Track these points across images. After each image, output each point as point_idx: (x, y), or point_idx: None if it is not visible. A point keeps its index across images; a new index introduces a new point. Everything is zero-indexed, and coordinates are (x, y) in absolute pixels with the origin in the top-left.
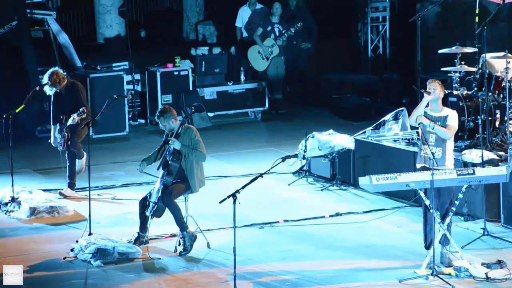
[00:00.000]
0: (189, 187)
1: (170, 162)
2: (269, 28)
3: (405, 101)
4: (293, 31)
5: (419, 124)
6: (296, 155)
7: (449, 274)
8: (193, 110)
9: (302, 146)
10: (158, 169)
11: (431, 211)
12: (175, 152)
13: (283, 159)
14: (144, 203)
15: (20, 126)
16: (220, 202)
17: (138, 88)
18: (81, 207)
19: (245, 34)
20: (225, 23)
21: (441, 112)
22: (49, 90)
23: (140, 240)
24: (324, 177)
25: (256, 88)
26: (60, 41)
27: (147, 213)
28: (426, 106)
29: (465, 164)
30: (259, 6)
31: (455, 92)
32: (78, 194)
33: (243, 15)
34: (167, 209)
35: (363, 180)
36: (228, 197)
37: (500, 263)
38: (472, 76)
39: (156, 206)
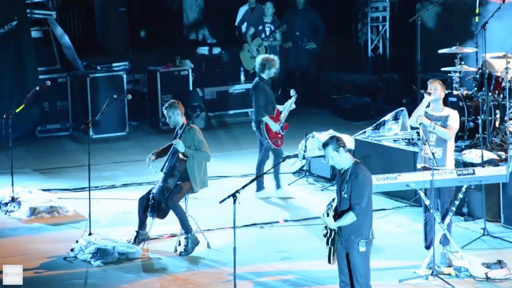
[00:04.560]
0: (191, 187)
1: (174, 164)
2: (260, 27)
3: (405, 101)
4: (277, 33)
5: (419, 124)
6: (296, 155)
7: (449, 274)
8: (198, 113)
9: (302, 146)
10: (162, 169)
11: (431, 211)
12: (179, 154)
13: (283, 159)
14: (143, 202)
15: (20, 126)
16: (220, 202)
17: (139, 88)
18: (81, 207)
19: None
20: (225, 23)
21: (442, 112)
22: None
23: (140, 238)
24: (324, 177)
25: None
26: (63, 44)
27: (149, 215)
28: (427, 106)
29: (465, 164)
30: (259, 6)
31: (455, 92)
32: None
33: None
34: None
35: None
36: (228, 197)
37: (500, 263)
38: (472, 76)
39: (155, 202)
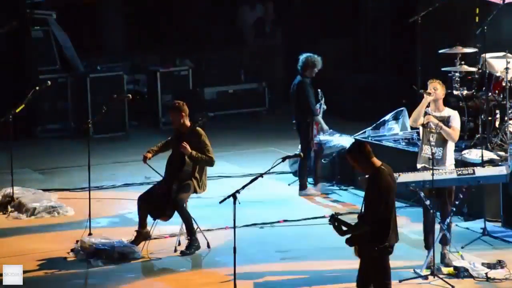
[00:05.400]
0: (194, 189)
1: (179, 166)
2: (260, 27)
3: (405, 101)
4: (276, 32)
5: (427, 123)
6: (296, 155)
7: (449, 274)
8: (205, 113)
9: None
10: (165, 171)
11: (431, 211)
12: (184, 157)
13: (283, 159)
14: (143, 202)
15: (20, 126)
16: (220, 202)
17: (139, 88)
18: (81, 207)
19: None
20: (225, 23)
21: (442, 112)
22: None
23: (140, 238)
24: (324, 177)
25: (256, 88)
26: (64, 45)
27: (152, 217)
28: (427, 106)
29: (465, 164)
30: (259, 5)
31: (455, 92)
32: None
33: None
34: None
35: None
36: (228, 197)
37: (500, 263)
38: (472, 76)
39: (159, 204)
